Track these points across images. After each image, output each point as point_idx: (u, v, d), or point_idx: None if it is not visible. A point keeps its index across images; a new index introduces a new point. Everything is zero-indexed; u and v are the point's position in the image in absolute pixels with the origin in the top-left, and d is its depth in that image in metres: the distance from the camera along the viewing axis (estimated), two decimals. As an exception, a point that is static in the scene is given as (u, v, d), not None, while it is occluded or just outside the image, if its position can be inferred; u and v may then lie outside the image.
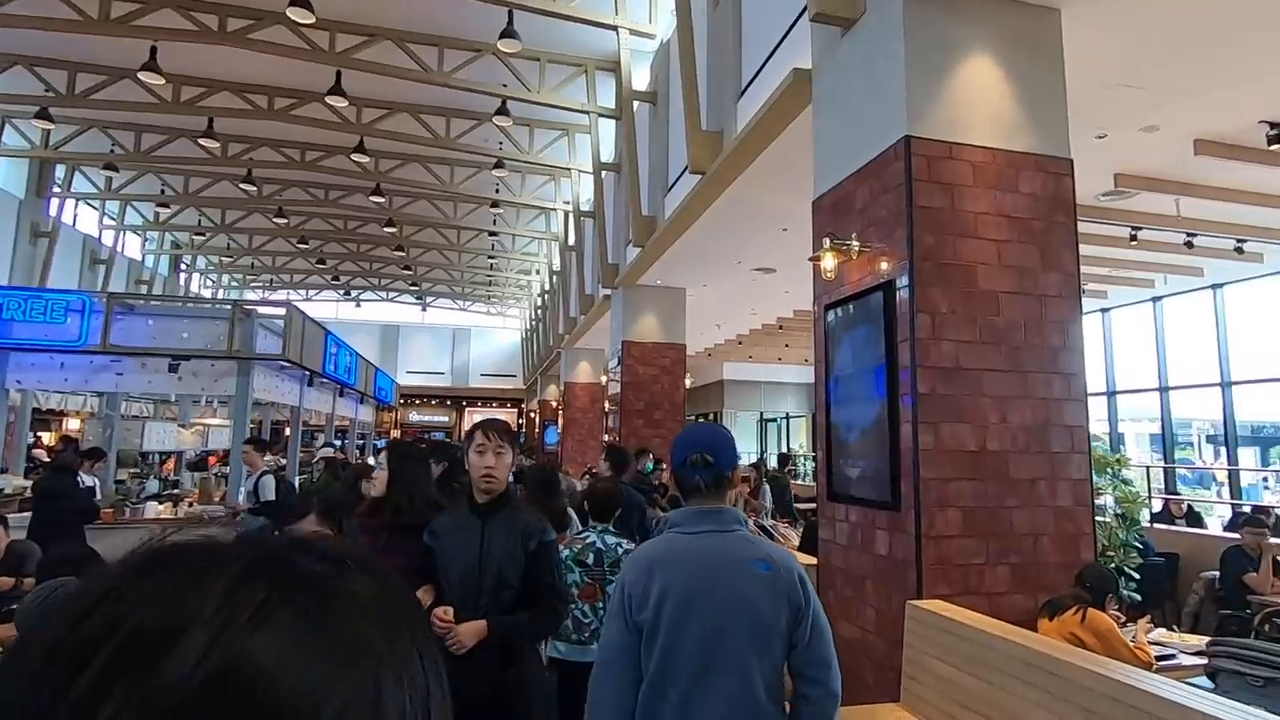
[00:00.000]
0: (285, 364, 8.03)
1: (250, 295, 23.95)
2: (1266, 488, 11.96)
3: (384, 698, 0.33)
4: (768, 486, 9.88)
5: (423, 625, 0.40)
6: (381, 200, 14.39)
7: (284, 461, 8.69)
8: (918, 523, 3.36)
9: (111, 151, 12.91)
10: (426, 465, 2.93)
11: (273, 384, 8.32)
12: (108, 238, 16.56)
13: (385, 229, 16.51)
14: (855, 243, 3.91)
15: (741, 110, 6.37)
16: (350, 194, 15.07)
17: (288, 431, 11.08)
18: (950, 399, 3.46)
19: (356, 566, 0.38)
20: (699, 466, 1.77)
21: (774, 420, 21.05)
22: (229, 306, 7.62)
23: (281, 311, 7.88)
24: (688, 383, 11.65)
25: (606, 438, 11.26)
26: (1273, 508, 7.95)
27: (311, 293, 25.39)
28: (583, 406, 16.24)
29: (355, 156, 12.15)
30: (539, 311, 20.61)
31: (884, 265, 3.72)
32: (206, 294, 21.69)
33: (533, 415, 24.03)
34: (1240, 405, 10.50)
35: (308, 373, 8.80)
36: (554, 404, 20.15)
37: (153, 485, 8.01)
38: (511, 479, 2.43)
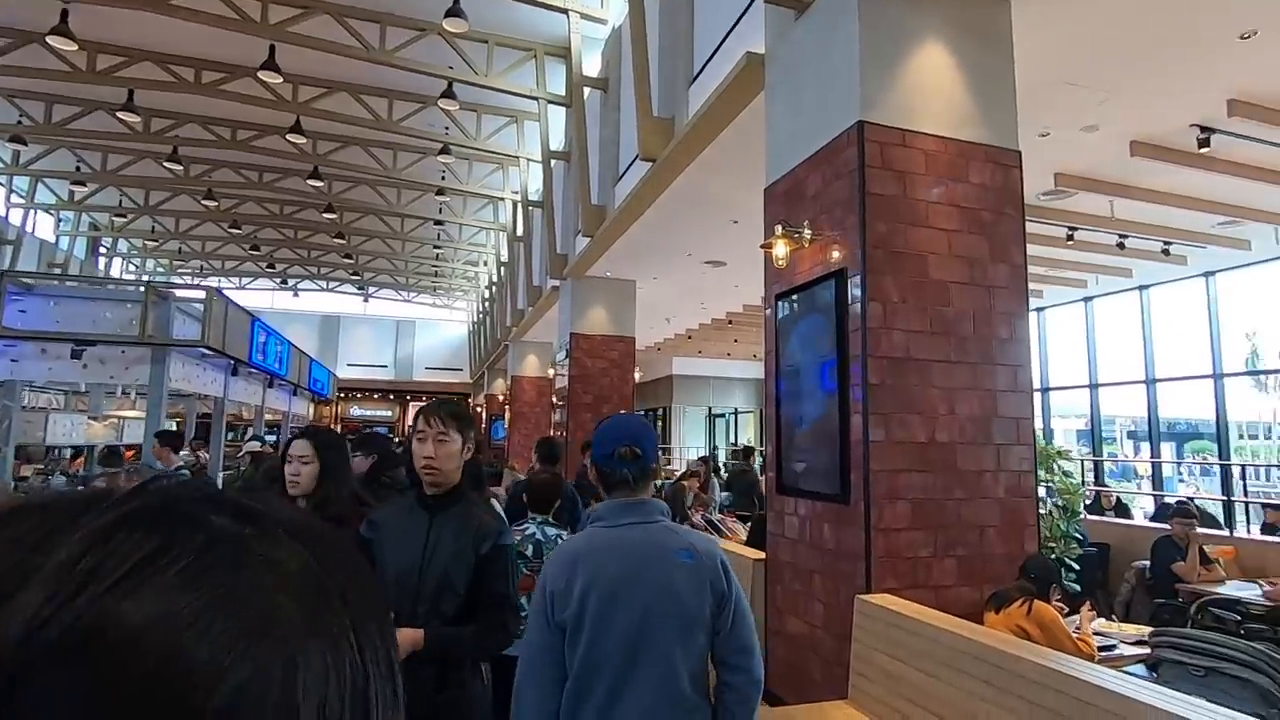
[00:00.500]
0: (207, 351, 7.50)
1: (178, 282, 22.70)
2: (1181, 480, 12.63)
3: (297, 684, 0.28)
4: (716, 481, 9.86)
5: (371, 612, 0.34)
6: (320, 184, 13.75)
7: (205, 457, 8.16)
8: (867, 515, 3.30)
9: (19, 123, 11.92)
10: (348, 453, 2.70)
11: (193, 373, 7.74)
12: (15, 216, 15.34)
13: (324, 215, 15.81)
14: (807, 231, 3.84)
15: (694, 96, 6.26)
16: (286, 177, 14.37)
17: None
18: (900, 390, 3.42)
19: (288, 531, 0.33)
20: (627, 459, 1.71)
21: (722, 415, 21.17)
22: (141, 288, 7.03)
23: (201, 295, 7.34)
24: (637, 376, 11.52)
25: (553, 433, 11.05)
26: (1192, 498, 8.36)
27: (245, 280, 24.24)
28: (530, 401, 15.95)
29: (291, 137, 11.53)
30: (486, 304, 20.17)
31: (835, 254, 3.65)
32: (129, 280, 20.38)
33: (479, 410, 23.54)
34: (1159, 402, 11.02)
35: (232, 361, 8.26)
36: (501, 398, 19.77)
37: (59, 481, 7.38)
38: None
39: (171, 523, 0.30)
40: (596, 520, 1.73)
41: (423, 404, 2.27)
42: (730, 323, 14.21)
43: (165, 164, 12.85)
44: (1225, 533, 6.32)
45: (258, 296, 24.77)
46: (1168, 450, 12.22)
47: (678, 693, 1.58)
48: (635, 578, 1.61)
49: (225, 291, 8.72)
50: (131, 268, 21.53)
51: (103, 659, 0.26)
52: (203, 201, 15.05)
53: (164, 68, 10.34)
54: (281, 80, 9.85)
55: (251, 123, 12.25)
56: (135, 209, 16.34)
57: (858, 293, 3.47)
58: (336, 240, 18.23)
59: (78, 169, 14.09)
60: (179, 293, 7.59)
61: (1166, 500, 8.14)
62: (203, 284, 16.46)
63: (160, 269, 22.40)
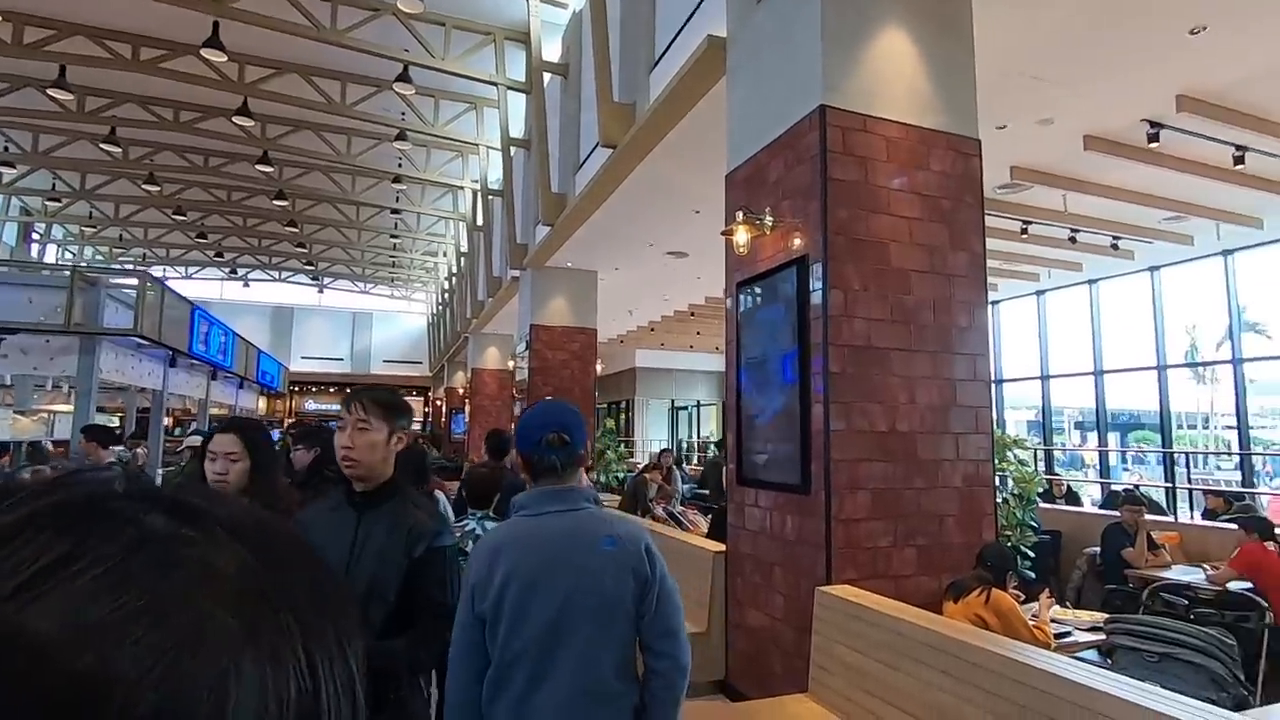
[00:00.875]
0: (142, 341, 7.09)
1: (107, 267, 21.69)
2: (1125, 469, 13.07)
3: (228, 701, 0.26)
4: (679, 474, 9.83)
5: (326, 619, 0.31)
6: (270, 170, 13.23)
7: (143, 453, 7.73)
8: (828, 505, 3.25)
9: (-63, 99, 11.19)
10: (276, 447, 2.53)
11: (127, 364, 7.32)
12: (-63, 199, 14.45)
13: (275, 202, 15.24)
14: (769, 217, 3.77)
15: (655, 81, 6.15)
16: (233, 161, 13.79)
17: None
18: (861, 379, 3.38)
19: (231, 530, 0.31)
20: (555, 446, 1.69)
21: (685, 408, 21.21)
22: (67, 273, 6.57)
23: (134, 281, 6.92)
24: (598, 369, 11.40)
25: (514, 426, 10.86)
26: (1138, 485, 8.63)
27: (192, 270, 23.31)
28: (491, 394, 15.70)
29: (238, 119, 11.05)
30: (446, 295, 19.79)
31: (797, 241, 3.59)
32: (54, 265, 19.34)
33: (439, 404, 23.13)
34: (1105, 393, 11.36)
35: (170, 352, 7.83)
36: (461, 392, 19.44)
37: (-19, 480, 6.92)
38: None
39: (92, 521, 0.28)
40: (520, 509, 1.70)
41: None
42: (693, 315, 14.19)
43: (102, 145, 12.21)
44: (1170, 519, 6.51)
45: (206, 286, 23.92)
46: (1113, 440, 12.63)
47: (598, 680, 1.57)
48: (555, 566, 1.59)
49: (170, 281, 8.31)
50: (68, 255, 20.51)
51: (5, 670, 0.24)
52: (144, 186, 14.36)
53: (98, 43, 9.78)
54: (226, 59, 9.42)
55: (195, 104, 11.70)
56: (70, 193, 15.52)
57: (819, 280, 3.42)
58: (289, 229, 17.63)
59: (5, 149, 13.30)
60: (110, 278, 7.12)
61: (1114, 488, 8.38)
62: (135, 268, 15.59)
63: (100, 256, 21.38)
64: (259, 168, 13.03)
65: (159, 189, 14.58)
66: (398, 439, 1.86)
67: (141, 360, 7.84)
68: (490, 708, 1.57)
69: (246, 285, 24.46)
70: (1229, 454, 11.57)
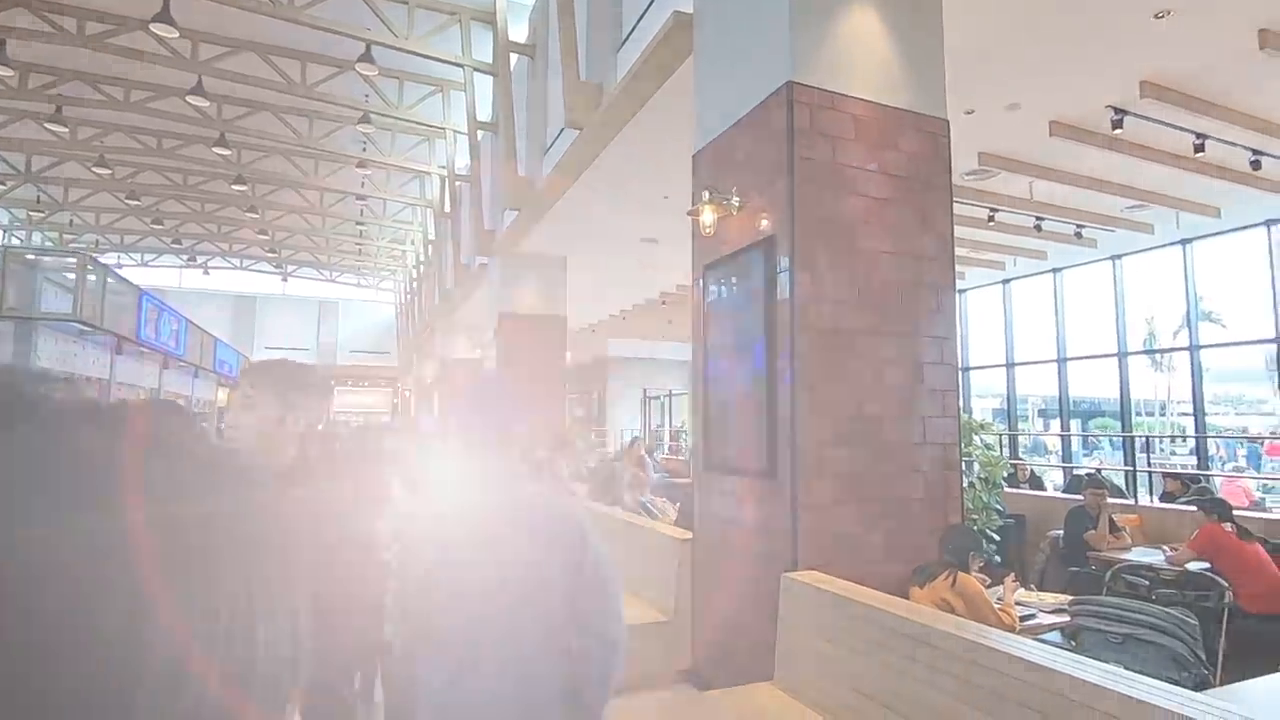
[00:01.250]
0: (84, 327, 6.76)
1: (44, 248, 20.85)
2: (1086, 454, 13.36)
3: (145, 615, 0.26)
4: (651, 462, 9.76)
5: (270, 556, 0.31)
6: (228, 153, 12.79)
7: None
8: (794, 490, 3.19)
9: None
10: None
11: (70, 351, 7.00)
12: None
13: (234, 187, 14.75)
14: (736, 198, 3.68)
15: (622, 61, 6.02)
16: (189, 144, 13.31)
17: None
18: (828, 361, 3.32)
19: (160, 444, 0.29)
20: (488, 426, 1.66)
21: (657, 397, 21.16)
22: (-2, 255, 6.25)
23: (72, 263, 6.61)
24: (568, 358, 11.27)
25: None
26: (1100, 469, 8.81)
27: (149, 257, 22.54)
28: (460, 384, 15.46)
29: (192, 99, 10.64)
30: (414, 284, 19.43)
31: (764, 222, 3.51)
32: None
33: (408, 394, 22.78)
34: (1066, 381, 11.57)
35: (115, 339, 7.49)
36: (430, 382, 19.13)
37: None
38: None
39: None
40: (451, 488, 1.69)
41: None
42: (664, 303, 14.11)
43: (47, 125, 11.67)
44: (1130, 502, 6.62)
45: (164, 274, 23.20)
46: (1074, 426, 12.89)
47: (528, 659, 1.55)
48: (482, 544, 1.56)
49: (126, 268, 7.97)
50: (15, 241, 19.69)
51: None
52: (94, 169, 13.79)
53: (41, 16, 9.31)
54: (178, 35, 9.03)
55: (147, 83, 11.23)
56: (14, 174, 14.85)
57: (786, 261, 3.34)
58: (249, 214, 17.13)
59: (-59, 129, 12.65)
60: (47, 261, 6.77)
61: (1076, 472, 8.52)
62: (75, 249, 14.93)
63: (49, 242, 20.56)
64: (216, 150, 12.59)
65: (110, 172, 14.02)
66: (297, 420, 1.66)
67: (85, 348, 7.49)
68: (418, 690, 1.55)
69: (206, 273, 23.77)
70: (1185, 438, 11.89)
